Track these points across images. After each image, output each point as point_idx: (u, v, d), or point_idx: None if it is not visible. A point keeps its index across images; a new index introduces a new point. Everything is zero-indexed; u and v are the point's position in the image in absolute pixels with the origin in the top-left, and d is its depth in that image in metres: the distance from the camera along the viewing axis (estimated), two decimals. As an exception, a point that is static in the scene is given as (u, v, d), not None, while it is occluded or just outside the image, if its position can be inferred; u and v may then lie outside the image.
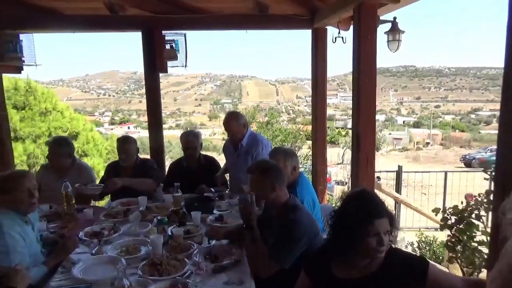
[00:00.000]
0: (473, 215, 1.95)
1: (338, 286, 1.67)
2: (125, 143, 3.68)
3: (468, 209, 1.95)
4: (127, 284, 1.78)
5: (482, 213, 1.92)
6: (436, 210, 2.18)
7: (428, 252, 6.02)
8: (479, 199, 1.93)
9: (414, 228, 7.21)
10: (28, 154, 8.21)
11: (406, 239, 6.60)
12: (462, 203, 2.00)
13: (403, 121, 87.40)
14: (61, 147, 3.61)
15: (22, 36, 3.99)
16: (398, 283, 1.59)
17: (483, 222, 1.94)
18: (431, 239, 6.31)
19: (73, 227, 2.88)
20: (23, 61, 4.07)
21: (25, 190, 2.27)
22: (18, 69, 4.21)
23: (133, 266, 2.19)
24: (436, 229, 6.84)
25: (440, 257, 5.57)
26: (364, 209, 1.62)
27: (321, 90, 4.58)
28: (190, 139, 3.81)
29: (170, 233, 2.61)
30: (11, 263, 2.10)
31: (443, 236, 6.18)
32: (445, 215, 2.04)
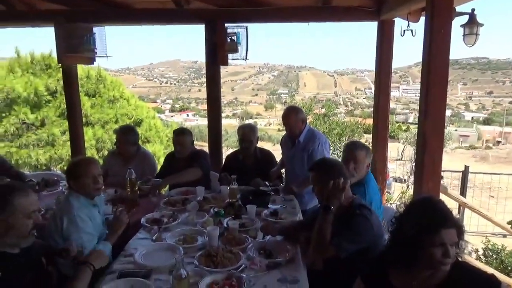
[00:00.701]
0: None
1: None
2: (180, 135, 3.77)
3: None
4: (184, 274, 1.84)
5: None
6: (511, 223, 1.98)
7: (495, 261, 5.59)
8: None
9: (480, 233, 6.73)
10: (97, 139, 8.82)
11: (470, 245, 6.18)
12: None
13: (472, 117, 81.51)
14: (127, 135, 3.82)
15: (95, 29, 4.25)
16: None
17: None
18: (499, 247, 5.85)
19: (136, 212, 3.02)
20: (96, 53, 4.33)
21: (91, 176, 2.44)
22: (91, 60, 4.50)
23: (189, 255, 2.27)
24: (504, 236, 6.33)
25: (509, 267, 5.16)
26: (431, 217, 1.51)
27: (384, 84, 4.37)
28: (247, 132, 3.84)
29: (226, 225, 2.66)
30: (82, 243, 2.27)
31: (513, 244, 5.72)
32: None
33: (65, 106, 5.81)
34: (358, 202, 2.25)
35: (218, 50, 4.13)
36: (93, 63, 4.55)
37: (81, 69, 9.00)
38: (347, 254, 2.07)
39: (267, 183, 3.62)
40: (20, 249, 1.80)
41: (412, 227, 1.54)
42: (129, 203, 3.14)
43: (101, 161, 5.24)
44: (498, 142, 46.70)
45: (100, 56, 4.36)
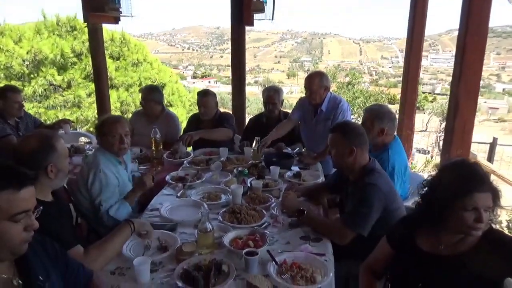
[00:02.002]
0: None
1: (422, 260, 1.55)
2: (204, 96, 3.74)
3: None
4: (209, 228, 1.88)
5: None
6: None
7: (520, 234, 5.50)
8: None
9: (507, 207, 6.58)
10: (121, 101, 8.95)
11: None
12: None
13: (503, 89, 78.05)
14: (152, 94, 3.84)
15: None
16: (490, 270, 1.40)
17: None
18: (526, 219, 5.73)
19: (161, 170, 3.09)
20: (121, 12, 4.30)
21: (117, 135, 2.47)
22: (116, 20, 4.48)
23: (213, 212, 2.31)
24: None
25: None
26: (464, 180, 1.43)
27: (415, 50, 4.21)
28: (272, 94, 3.79)
29: (249, 185, 2.68)
30: (103, 200, 2.35)
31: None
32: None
33: (91, 69, 5.88)
34: (370, 167, 2.18)
35: (244, 9, 4.03)
36: (118, 23, 4.54)
37: (106, 32, 9.02)
38: (369, 229, 2.04)
39: (289, 148, 3.59)
40: (53, 198, 1.87)
41: (444, 189, 1.47)
42: (154, 162, 3.22)
43: (126, 122, 5.33)
44: (530, 115, 44.83)
45: (125, 16, 4.33)
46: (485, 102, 48.93)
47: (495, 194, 1.44)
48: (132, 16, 4.31)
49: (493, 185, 1.45)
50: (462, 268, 1.45)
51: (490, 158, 7.01)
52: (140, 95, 4.03)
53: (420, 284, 1.51)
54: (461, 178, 1.44)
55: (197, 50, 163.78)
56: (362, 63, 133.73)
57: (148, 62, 10.04)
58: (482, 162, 4.39)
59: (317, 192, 2.64)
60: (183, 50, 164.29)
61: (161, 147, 3.30)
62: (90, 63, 6.07)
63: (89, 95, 8.87)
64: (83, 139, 5.16)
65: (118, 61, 9.63)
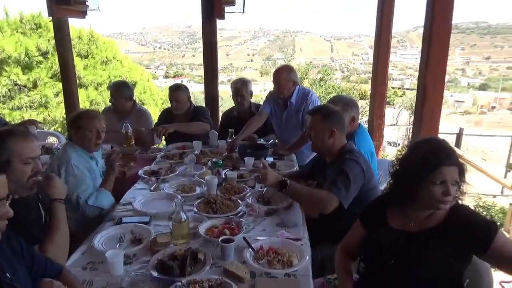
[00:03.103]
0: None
1: (393, 237, 1.58)
2: (176, 90, 3.68)
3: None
4: (184, 218, 1.85)
5: None
6: (510, 166, 1.99)
7: (486, 218, 5.73)
8: None
9: (472, 194, 6.87)
10: (90, 101, 8.70)
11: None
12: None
13: (468, 83, 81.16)
14: (121, 90, 3.75)
15: (86, -19, 4.07)
16: (456, 245, 1.46)
17: None
18: (490, 204, 6.00)
19: (133, 166, 3.02)
20: (87, 6, 4.17)
21: (94, 130, 2.40)
22: (83, 14, 4.34)
23: (188, 204, 2.28)
24: (494, 196, 6.47)
25: (499, 223, 5.29)
26: (432, 154, 1.47)
27: (384, 43, 4.28)
28: (239, 86, 3.77)
29: (224, 176, 2.67)
30: (80, 193, 2.28)
31: (503, 202, 5.86)
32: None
33: (58, 67, 5.68)
34: (349, 148, 2.26)
35: (215, 1, 3.99)
36: (84, 17, 4.39)
37: (73, 30, 8.75)
38: (349, 202, 2.07)
39: (262, 139, 3.60)
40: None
41: (414, 165, 1.51)
42: (126, 157, 3.15)
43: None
44: (493, 107, 46.85)
45: (92, 10, 4.21)
46: (452, 95, 50.78)
47: (461, 169, 1.49)
48: (99, 10, 4.19)
49: (459, 160, 1.50)
50: (431, 243, 1.49)
51: (457, 147, 7.30)
52: (109, 92, 3.93)
53: (392, 261, 1.54)
54: (430, 152, 1.49)
55: (168, 50, 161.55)
56: (333, 60, 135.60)
57: (118, 60, 9.80)
58: (461, 155, 4.55)
59: (293, 180, 2.65)
60: (154, 49, 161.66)
61: (133, 142, 3.23)
62: (57, 61, 5.85)
63: (56, 94, 8.57)
64: (52, 139, 4.99)
65: (86, 59, 9.35)
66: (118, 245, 1.86)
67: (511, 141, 8.40)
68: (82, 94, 8.46)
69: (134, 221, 2.09)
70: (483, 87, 70.93)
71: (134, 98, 3.90)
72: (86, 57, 9.35)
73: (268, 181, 2.14)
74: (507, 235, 4.24)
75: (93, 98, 8.84)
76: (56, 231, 1.70)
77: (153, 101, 10.19)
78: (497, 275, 2.41)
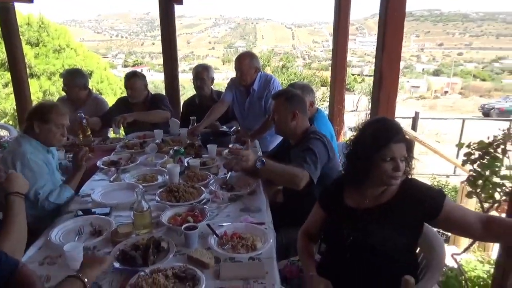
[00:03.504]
0: (499, 150, 1.88)
1: (351, 216, 1.65)
2: (132, 77, 3.55)
3: (495, 143, 1.88)
4: (146, 207, 1.81)
5: (509, 147, 1.85)
6: (460, 145, 2.11)
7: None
8: (507, 132, 1.85)
9: (427, 174, 7.22)
10: (44, 91, 8.27)
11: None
12: (488, 138, 1.93)
13: (423, 69, 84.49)
14: (75, 78, 3.58)
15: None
16: (409, 216, 1.55)
17: (508, 157, 1.88)
18: (443, 183, 6.33)
19: (91, 157, 2.91)
20: (34, -10, 3.92)
21: (61, 126, 2.31)
22: (29, -1, 4.07)
23: (150, 193, 2.24)
24: (448, 176, 6.85)
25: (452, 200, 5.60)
26: (381, 132, 1.56)
27: (343, 27, 4.34)
28: (200, 70, 3.71)
29: (186, 164, 2.63)
30: (39, 188, 2.17)
31: (455, 181, 6.21)
32: (470, 149, 1.98)
33: (5, 56, 5.33)
34: (312, 130, 2.36)
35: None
36: (32, 1, 4.12)
37: (20, 16, 8.22)
38: (317, 177, 2.12)
39: (224, 127, 3.57)
40: None
41: (365, 144, 1.58)
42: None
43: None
44: (446, 92, 49.14)
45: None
46: (408, 81, 52.67)
47: (409, 145, 1.58)
48: (47, -6, 3.94)
49: (406, 137, 1.59)
50: (386, 217, 1.57)
51: (414, 130, 7.65)
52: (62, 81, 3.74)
53: (351, 238, 1.60)
54: (379, 131, 1.57)
55: (126, 37, 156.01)
56: (295, 47, 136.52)
57: (71, 48, 9.32)
58: (407, 130, 4.74)
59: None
60: (111, 37, 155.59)
61: (89, 132, 3.11)
62: (4, 49, 5.48)
63: (5, 85, 8.07)
64: (3, 132, 4.70)
65: (37, 47, 8.82)
66: (77, 238, 1.80)
67: (462, 123, 8.93)
68: (34, 84, 8.02)
69: (93, 213, 2.02)
70: (436, 73, 74.09)
71: (89, 86, 3.74)
72: (37, 45, 8.83)
73: (250, 161, 2.11)
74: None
75: (46, 88, 8.40)
76: (12, 225, 1.61)
77: (112, 90, 9.82)
78: (449, 249, 2.56)
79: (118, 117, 3.29)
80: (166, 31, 4.27)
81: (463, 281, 2.15)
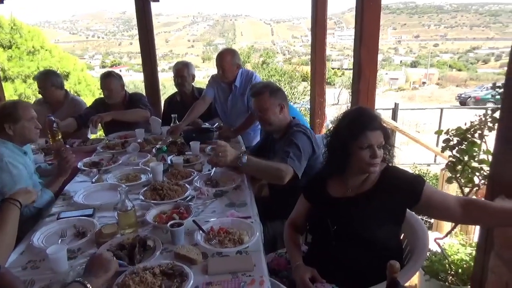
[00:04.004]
0: (476, 135, 1.93)
1: (334, 205, 1.68)
2: (107, 78, 3.47)
3: (472, 129, 1.93)
4: (130, 206, 1.79)
5: (486, 132, 1.90)
6: (439, 132, 2.16)
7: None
8: (483, 118, 1.90)
9: (408, 164, 7.37)
10: (19, 95, 8.04)
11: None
12: (465, 124, 1.98)
13: (400, 61, 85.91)
14: (49, 79, 3.48)
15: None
16: (391, 201, 1.58)
17: (485, 142, 1.93)
18: (425, 171, 6.46)
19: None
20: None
21: (31, 119, 2.26)
22: (-1, -1, 3.94)
23: (134, 192, 2.21)
24: (429, 165, 7.00)
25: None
26: (357, 121, 1.59)
27: (320, 30, 4.34)
28: (180, 67, 3.67)
29: (170, 162, 2.61)
30: None
31: (436, 169, 6.34)
32: (448, 136, 2.02)
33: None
34: (295, 123, 2.36)
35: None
36: (2, 2, 4.00)
37: (-10, 18, 8.00)
38: (301, 171, 2.13)
39: (207, 123, 3.55)
40: None
41: (343, 133, 1.62)
42: (55, 154, 2.94)
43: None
44: (424, 83, 50.12)
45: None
46: (386, 73, 53.46)
47: (385, 133, 1.61)
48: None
49: (382, 125, 1.62)
50: (368, 205, 1.60)
51: (394, 120, 7.78)
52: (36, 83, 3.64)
53: (335, 227, 1.62)
54: (354, 120, 1.61)
55: (103, 38, 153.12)
56: (274, 43, 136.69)
57: (46, 50, 9.05)
58: (387, 120, 4.81)
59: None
60: (87, 38, 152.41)
61: (60, 136, 2.99)
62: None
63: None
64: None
65: (10, 50, 8.55)
66: (60, 240, 1.76)
67: (440, 113, 9.15)
68: (8, 87, 7.79)
69: (76, 215, 1.98)
70: (414, 64, 75.40)
71: (65, 87, 3.65)
72: (10, 47, 8.55)
73: (228, 157, 2.09)
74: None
75: (22, 91, 8.16)
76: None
77: (90, 91, 9.61)
78: (432, 234, 2.62)
79: (94, 117, 3.23)
80: (144, 29, 4.20)
81: (447, 265, 2.21)
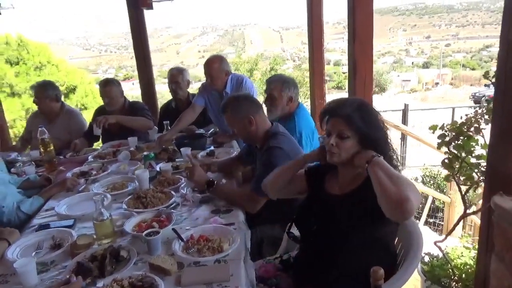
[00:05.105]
0: (472, 129, 1.79)
1: (328, 201, 1.61)
2: (106, 85, 3.43)
3: (468, 122, 1.79)
4: (106, 216, 1.71)
5: (483, 126, 1.76)
6: (433, 127, 2.03)
7: (432, 186, 5.99)
8: (480, 111, 1.77)
9: (419, 166, 7.19)
10: (26, 109, 8.15)
11: (411, 175, 6.57)
12: (461, 118, 1.85)
13: (412, 62, 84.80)
14: (45, 90, 3.46)
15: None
16: (373, 202, 1.41)
17: (483, 136, 1.79)
18: (436, 173, 6.27)
19: (60, 171, 2.81)
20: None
21: None
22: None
23: (119, 201, 2.15)
24: (441, 166, 6.81)
25: (444, 190, 5.53)
26: (324, 108, 1.56)
27: (317, 34, 4.25)
28: (174, 73, 3.61)
29: (158, 169, 2.54)
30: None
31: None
32: (443, 131, 1.89)
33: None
34: (273, 131, 2.17)
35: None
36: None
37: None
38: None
39: (202, 130, 3.47)
40: None
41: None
42: (47, 165, 2.90)
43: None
44: (436, 83, 49.36)
45: (4, 8, 3.86)
46: (398, 75, 52.81)
47: (348, 120, 1.46)
48: (13, 8, 3.85)
49: (349, 113, 1.47)
50: (354, 203, 1.50)
51: (404, 123, 7.63)
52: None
53: (319, 222, 1.56)
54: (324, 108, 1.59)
55: (115, 52, 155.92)
56: (284, 50, 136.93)
57: (53, 65, 9.21)
58: (398, 125, 4.69)
59: (230, 165, 2.59)
60: (100, 53, 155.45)
61: (51, 148, 2.95)
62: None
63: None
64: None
65: (17, 65, 8.72)
66: (34, 253, 1.69)
67: (452, 112, 8.94)
68: (16, 102, 7.92)
69: (55, 226, 1.92)
70: (426, 65, 74.38)
71: (61, 99, 3.63)
72: (17, 63, 8.72)
73: (195, 177, 2.12)
74: (448, 199, 4.44)
75: (29, 106, 8.27)
76: None
77: (97, 104, 9.66)
78: (433, 237, 2.47)
79: (100, 117, 3.19)
80: (137, 37, 4.18)
81: (450, 269, 2.06)
